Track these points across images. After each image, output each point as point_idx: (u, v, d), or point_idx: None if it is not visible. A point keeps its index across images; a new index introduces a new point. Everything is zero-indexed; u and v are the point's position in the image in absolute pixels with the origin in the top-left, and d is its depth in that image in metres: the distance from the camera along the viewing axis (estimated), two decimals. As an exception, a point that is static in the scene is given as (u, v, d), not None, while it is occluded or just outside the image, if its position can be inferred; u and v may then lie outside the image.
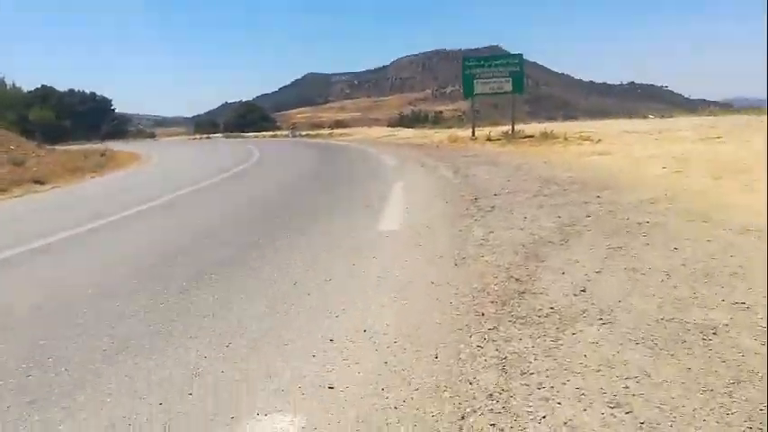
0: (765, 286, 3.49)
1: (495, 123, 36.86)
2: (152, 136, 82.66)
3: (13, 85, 32.16)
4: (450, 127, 40.87)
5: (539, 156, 14.04)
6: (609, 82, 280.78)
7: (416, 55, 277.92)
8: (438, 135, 29.86)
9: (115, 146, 42.35)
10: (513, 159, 13.20)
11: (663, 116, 29.68)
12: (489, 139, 21.61)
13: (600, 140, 16.86)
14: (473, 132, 23.11)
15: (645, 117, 29.74)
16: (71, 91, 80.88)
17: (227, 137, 51.98)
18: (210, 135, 59.37)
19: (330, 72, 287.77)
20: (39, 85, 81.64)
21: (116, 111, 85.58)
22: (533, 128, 24.76)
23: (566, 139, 18.83)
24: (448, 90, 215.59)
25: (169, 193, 10.83)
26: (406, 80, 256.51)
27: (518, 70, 22.40)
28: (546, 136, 19.88)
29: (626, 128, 20.10)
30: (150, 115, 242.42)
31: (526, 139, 20.40)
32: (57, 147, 43.79)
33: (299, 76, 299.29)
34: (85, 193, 12.87)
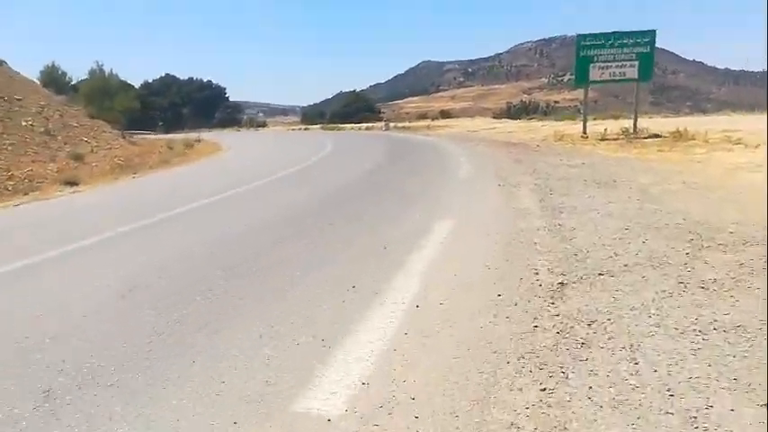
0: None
1: (616, 116, 31.62)
2: (263, 125, 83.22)
3: (111, 72, 31.01)
4: (562, 119, 35.94)
5: (671, 168, 9.82)
6: (747, 69, 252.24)
7: (535, 41, 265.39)
8: (545, 129, 25.44)
9: (211, 135, 41.80)
10: (635, 175, 9.10)
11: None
12: (604, 138, 17.20)
13: (758, 146, 12.16)
14: (584, 129, 18.67)
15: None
16: (190, 79, 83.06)
17: (323, 128, 49.97)
18: (309, 126, 57.83)
19: (444, 60, 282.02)
20: (163, 74, 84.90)
21: (230, 99, 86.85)
22: (659, 124, 19.83)
23: (706, 141, 14.17)
24: (565, 78, 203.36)
25: (181, 206, 8.06)
26: (521, 68, 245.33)
27: (648, 51, 17.64)
28: (678, 136, 15.23)
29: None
30: (266, 103, 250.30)
31: (651, 140, 15.83)
32: (152, 135, 44.11)
33: (413, 65, 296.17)
34: (95, 202, 10.30)
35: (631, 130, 17.30)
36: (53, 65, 35.11)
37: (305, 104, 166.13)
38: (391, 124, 43.23)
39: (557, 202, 6.95)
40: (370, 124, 47.62)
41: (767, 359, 2.65)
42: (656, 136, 16.61)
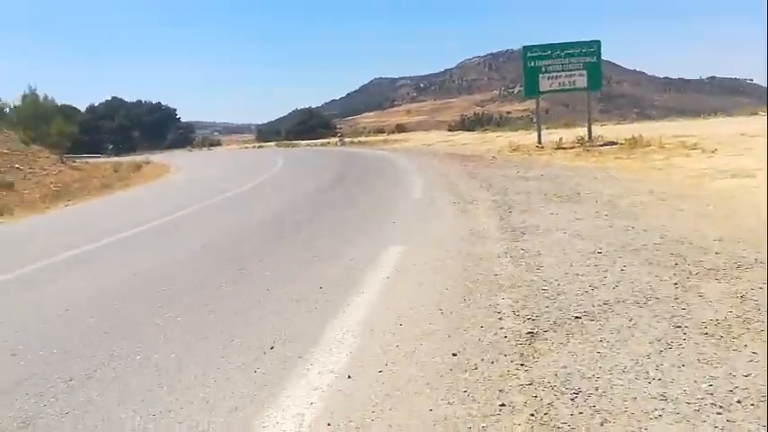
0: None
1: (569, 125, 31.48)
2: (218, 143, 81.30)
3: (46, 97, 29.31)
4: (516, 129, 35.81)
5: (633, 177, 9.29)
6: (686, 77, 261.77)
7: (482, 56, 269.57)
8: (500, 140, 25.05)
9: (161, 157, 40.19)
10: (598, 186, 8.49)
11: (756, 113, 23.55)
12: (560, 147, 16.77)
13: (715, 150, 11.84)
14: (539, 139, 18.23)
15: (754, 114, 23.63)
16: (138, 102, 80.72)
17: (278, 144, 48.80)
18: (264, 144, 56.52)
19: (396, 76, 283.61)
20: (109, 97, 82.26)
21: (181, 120, 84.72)
22: (612, 131, 19.61)
23: (662, 146, 13.84)
24: (515, 89, 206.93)
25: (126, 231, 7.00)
26: (472, 81, 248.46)
27: (594, 61, 17.39)
28: (633, 143, 14.88)
29: (740, 129, 14.69)
30: (222, 122, 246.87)
31: (607, 147, 15.44)
32: (100, 159, 42.33)
33: (366, 81, 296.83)
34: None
35: (586, 138, 16.94)
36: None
37: (260, 122, 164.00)
38: (347, 139, 42.34)
39: (517, 221, 6.21)
40: (325, 140, 46.62)
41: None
42: (612, 143, 16.26)
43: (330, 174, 15.03)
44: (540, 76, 17.47)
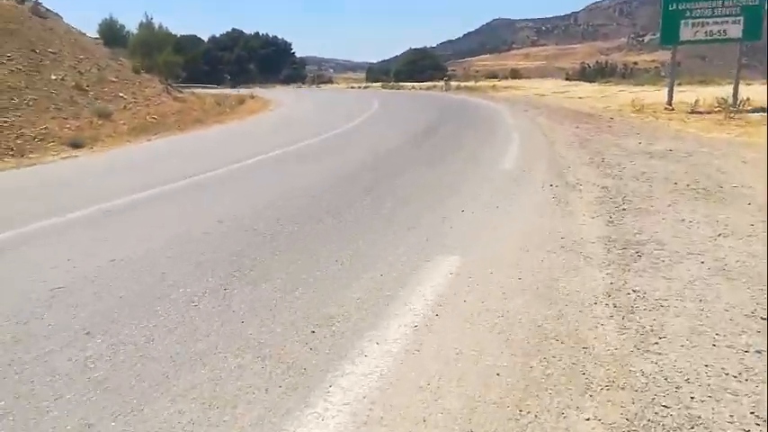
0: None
1: (705, 82, 27.43)
2: (329, 81, 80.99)
3: (161, 26, 29.47)
4: (642, 83, 31.87)
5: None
6: None
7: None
8: (622, 95, 22.04)
9: (265, 91, 40.06)
10: (748, 175, 6.34)
11: None
12: (694, 111, 13.99)
13: None
14: (669, 99, 15.38)
15: None
16: (256, 34, 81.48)
17: (383, 86, 47.09)
18: (371, 84, 55.01)
19: (517, 17, 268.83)
20: (230, 29, 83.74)
21: (296, 55, 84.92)
22: (761, 92, 16.22)
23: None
24: (646, 38, 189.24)
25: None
26: (599, 27, 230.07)
27: (756, 3, 14.08)
28: (793, 111, 11.97)
29: None
30: (337, 59, 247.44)
31: (757, 116, 12.56)
32: (212, 89, 42.87)
33: (485, 22, 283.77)
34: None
35: (730, 102, 13.97)
36: (111, 18, 34.01)
37: (376, 61, 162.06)
38: (453, 84, 39.80)
39: (632, 228, 4.40)
40: (432, 83, 44.33)
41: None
42: (764, 109, 13.28)
43: (417, 127, 13.35)
44: (683, 21, 14.52)
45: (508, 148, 9.26)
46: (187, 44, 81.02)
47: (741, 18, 14.10)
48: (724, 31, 14.40)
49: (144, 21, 29.59)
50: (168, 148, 12.00)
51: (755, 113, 12.93)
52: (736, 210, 4.88)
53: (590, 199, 5.43)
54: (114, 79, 21.65)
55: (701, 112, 13.75)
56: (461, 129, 12.91)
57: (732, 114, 12.76)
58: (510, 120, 14.33)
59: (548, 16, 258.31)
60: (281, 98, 32.39)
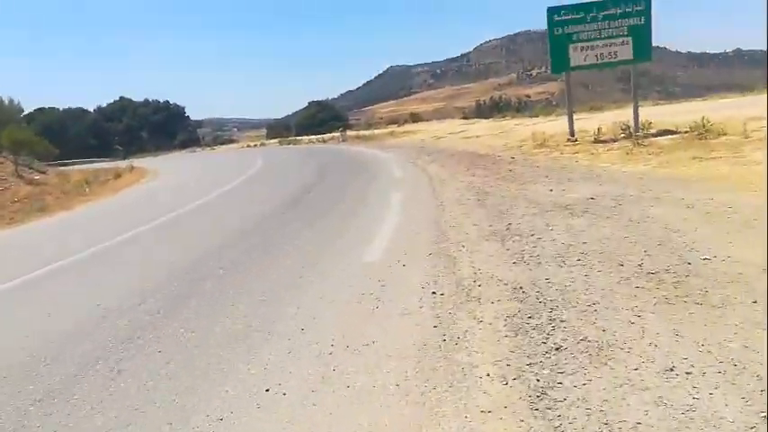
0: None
1: (595, 108, 27.01)
2: (229, 142, 77.53)
3: (12, 101, 25.84)
4: (536, 114, 31.33)
5: (749, 195, 5.06)
6: (709, 51, 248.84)
7: (500, 38, 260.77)
8: (520, 129, 20.74)
9: (150, 161, 36.73)
10: (716, 234, 4.31)
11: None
12: (599, 140, 12.48)
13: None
14: (571, 130, 13.87)
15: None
16: (146, 101, 77.38)
17: (280, 142, 44.62)
18: (267, 142, 52.42)
19: (413, 63, 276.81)
20: (117, 98, 79.03)
21: (190, 118, 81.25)
22: (655, 114, 15.14)
23: (746, 136, 9.62)
24: (534, 72, 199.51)
25: None
26: (490, 65, 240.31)
27: (642, 23, 12.97)
28: (702, 132, 10.60)
29: None
30: (237, 119, 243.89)
31: (665, 139, 11.15)
32: (93, 165, 38.90)
33: (382, 71, 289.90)
34: None
35: (633, 127, 12.57)
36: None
37: (279, 116, 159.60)
38: (350, 134, 38.07)
39: (569, 397, 2.12)
40: (331, 134, 42.38)
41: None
42: (670, 132, 11.92)
43: (284, 194, 10.91)
44: (571, 46, 13.13)
45: (384, 217, 6.92)
46: (71, 117, 75.60)
47: (630, 38, 12.92)
48: (615, 53, 13.16)
49: (-9, 98, 25.84)
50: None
51: (662, 137, 11.53)
52: (741, 320, 2.71)
53: (497, 326, 3.11)
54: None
55: (605, 141, 12.25)
56: (335, 191, 10.56)
57: (639, 140, 11.25)
58: (397, 172, 12.18)
59: (441, 59, 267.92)
60: (163, 167, 29.37)
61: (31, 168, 24.59)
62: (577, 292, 3.45)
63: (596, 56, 13.22)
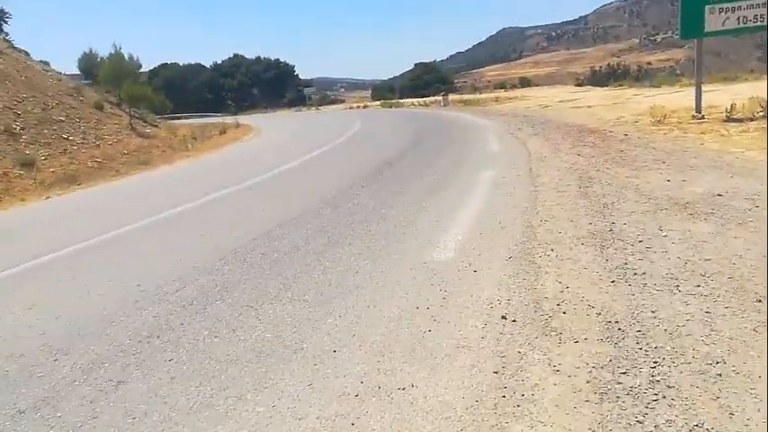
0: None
1: (728, 79, 23.93)
2: (334, 102, 78.39)
3: (132, 57, 27.02)
4: (658, 84, 28.49)
5: None
6: None
7: (623, 0, 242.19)
8: (637, 101, 18.79)
9: (256, 119, 37.64)
10: None
11: None
12: (732, 118, 10.77)
13: None
14: (698, 106, 12.14)
15: None
16: (258, 59, 79.56)
17: (382, 105, 44.12)
18: (370, 104, 52.06)
19: (526, 25, 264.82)
20: (231, 54, 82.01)
21: (301, 77, 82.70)
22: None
23: None
24: (659, 37, 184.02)
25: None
26: (609, 29, 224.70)
27: (801, -21, 10.93)
28: None
29: None
30: (346, 79, 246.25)
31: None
32: (204, 119, 40.46)
33: (494, 32, 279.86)
34: None
35: (776, 105, 10.72)
36: (91, 52, 31.85)
37: (386, 77, 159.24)
38: (452, 97, 36.76)
39: None
40: (434, 98, 41.26)
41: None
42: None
43: (377, 162, 10.35)
44: (708, 8, 11.37)
45: (468, 201, 6.16)
46: (190, 73, 79.48)
47: (779, -1, 10.95)
48: (761, 16, 11.22)
49: (112, 52, 27.17)
50: (71, 206, 9.39)
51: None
52: None
53: (578, 382, 2.32)
54: (62, 118, 19.07)
55: (740, 120, 10.54)
56: (424, 163, 9.82)
57: (783, 122, 9.53)
58: (494, 145, 11.21)
59: (557, 22, 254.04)
60: (267, 125, 30.01)
61: (144, 122, 25.82)
62: (694, 338, 2.59)
63: (738, 19, 11.36)
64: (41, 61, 30.72)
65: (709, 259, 3.61)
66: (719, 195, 5.26)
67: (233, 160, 15.16)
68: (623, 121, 13.20)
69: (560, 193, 6.09)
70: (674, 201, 5.21)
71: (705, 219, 4.53)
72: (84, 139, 18.70)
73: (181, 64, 78.97)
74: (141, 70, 30.14)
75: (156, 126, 26.90)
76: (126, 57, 27.87)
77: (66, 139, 17.88)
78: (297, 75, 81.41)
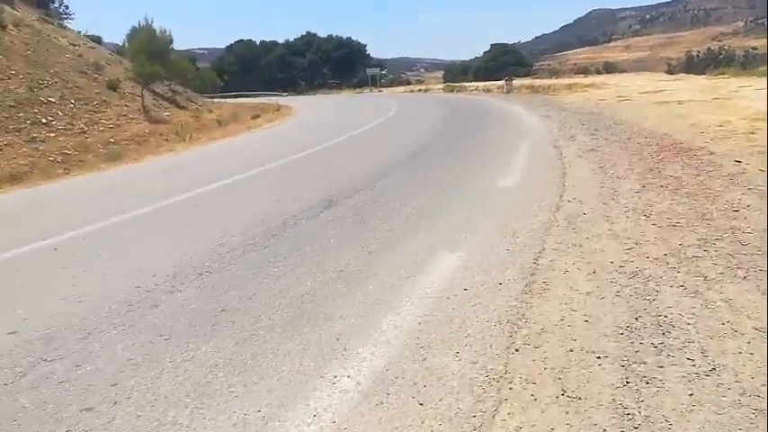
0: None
1: None
2: (407, 83, 74.31)
3: (164, 31, 24.65)
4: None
5: None
6: None
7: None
8: (744, 95, 13.97)
9: (306, 99, 34.68)
10: None
11: None
12: None
13: None
14: None
15: None
16: (329, 37, 76.64)
17: (444, 89, 39.70)
18: (431, 87, 47.59)
19: (617, 7, 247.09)
20: (304, 32, 79.43)
21: (371, 56, 79.10)
22: None
23: None
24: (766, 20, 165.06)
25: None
26: (711, 11, 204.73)
27: None
28: None
29: None
30: (426, 59, 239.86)
31: None
32: (266, 98, 37.67)
33: (583, 14, 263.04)
34: None
35: None
36: (140, 26, 29.92)
37: (468, 58, 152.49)
38: (520, 83, 31.83)
39: None
40: (500, 82, 36.53)
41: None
42: None
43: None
44: None
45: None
46: (264, 50, 77.62)
47: None
48: None
49: (143, 25, 24.85)
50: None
51: None
52: None
53: None
54: (53, 99, 16.58)
55: None
56: (451, 164, 6.05)
57: None
58: (513, 175, 7.16)
59: (652, 3, 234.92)
60: (304, 107, 26.95)
61: (172, 102, 23.49)
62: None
63: None
64: (90, 36, 29.03)
65: None
66: None
67: (217, 156, 11.94)
68: (730, 131, 8.76)
69: (599, 335, 2.23)
70: None
71: None
72: (70, 124, 16.10)
73: (256, 41, 77.20)
74: (210, 47, 27.98)
75: (185, 108, 24.37)
76: (158, 31, 25.60)
77: (45, 124, 15.23)
78: (368, 54, 77.94)
